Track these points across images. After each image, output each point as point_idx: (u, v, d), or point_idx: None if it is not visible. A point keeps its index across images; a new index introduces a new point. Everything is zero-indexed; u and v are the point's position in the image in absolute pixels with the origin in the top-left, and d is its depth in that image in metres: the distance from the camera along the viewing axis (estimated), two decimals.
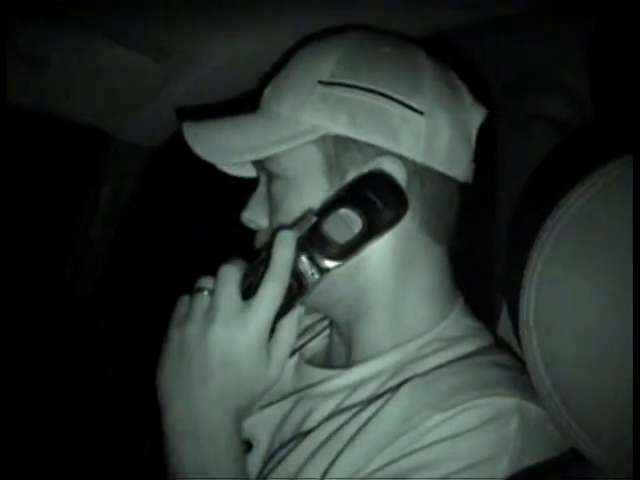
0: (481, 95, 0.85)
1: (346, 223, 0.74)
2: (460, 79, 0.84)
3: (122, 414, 1.61)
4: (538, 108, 1.10)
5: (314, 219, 0.74)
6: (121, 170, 1.30)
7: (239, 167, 0.89)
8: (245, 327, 0.71)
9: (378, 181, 0.75)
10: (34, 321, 1.48)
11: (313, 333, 0.95)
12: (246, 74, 1.06)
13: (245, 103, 0.95)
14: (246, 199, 0.86)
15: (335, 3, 0.97)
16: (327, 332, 0.94)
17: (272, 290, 0.72)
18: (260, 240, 0.84)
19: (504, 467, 0.66)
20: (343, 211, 0.74)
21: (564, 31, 1.05)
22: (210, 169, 0.87)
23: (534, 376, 0.66)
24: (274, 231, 0.75)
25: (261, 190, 0.85)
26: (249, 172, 0.89)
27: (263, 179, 0.84)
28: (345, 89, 0.77)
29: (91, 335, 1.66)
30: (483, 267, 1.14)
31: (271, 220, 0.81)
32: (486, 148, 0.85)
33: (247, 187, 0.88)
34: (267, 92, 0.84)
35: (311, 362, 0.89)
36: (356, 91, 0.77)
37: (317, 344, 0.94)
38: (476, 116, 0.83)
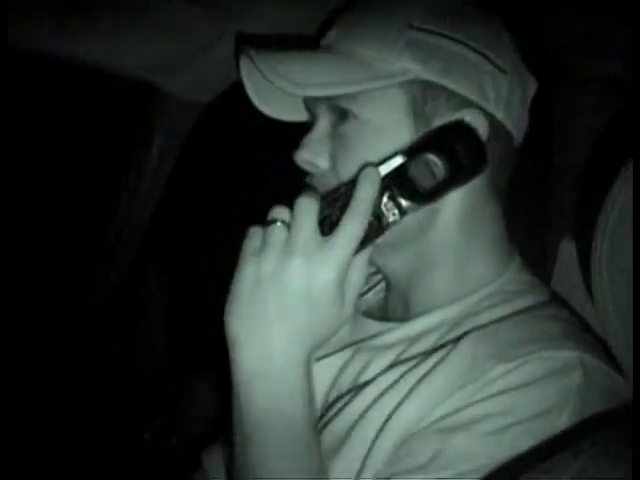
0: (539, 55, 0.85)
1: (430, 169, 0.73)
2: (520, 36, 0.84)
3: (171, 373, 1.62)
4: (593, 67, 1.08)
5: (402, 160, 0.73)
6: (171, 124, 1.29)
7: (285, 109, 0.87)
8: (326, 263, 0.68)
9: (463, 132, 0.75)
10: (81, 275, 1.50)
11: (368, 286, 0.95)
12: (301, 29, 1.05)
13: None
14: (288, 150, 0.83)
15: None
16: (381, 285, 0.94)
17: (355, 226, 0.69)
18: (320, 182, 0.81)
19: (566, 419, 0.66)
20: (430, 156, 0.73)
21: None
22: (259, 122, 0.86)
23: (603, 316, 0.68)
24: (361, 167, 0.73)
25: (321, 130, 0.82)
26: (295, 116, 0.88)
27: (326, 119, 0.81)
28: (436, 37, 0.76)
29: (138, 288, 1.68)
30: (537, 226, 1.14)
31: (336, 161, 0.79)
32: (542, 103, 0.86)
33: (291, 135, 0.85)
34: (338, 32, 0.82)
35: (367, 315, 0.89)
36: (447, 40, 0.76)
37: (372, 297, 0.94)
38: (533, 85, 0.84)
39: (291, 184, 0.84)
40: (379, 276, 0.95)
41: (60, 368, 1.49)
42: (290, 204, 0.71)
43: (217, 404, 1.28)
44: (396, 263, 0.83)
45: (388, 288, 0.90)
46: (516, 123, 0.81)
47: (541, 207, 1.13)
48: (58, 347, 1.51)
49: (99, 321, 1.51)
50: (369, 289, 0.95)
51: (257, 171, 1.80)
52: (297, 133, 0.85)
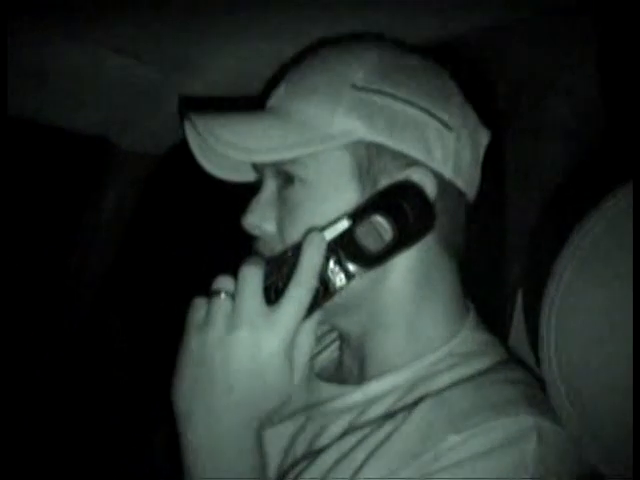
0: (488, 101, 0.85)
1: (377, 231, 0.72)
2: (467, 86, 0.83)
3: (132, 417, 1.60)
4: (545, 114, 1.09)
5: (348, 223, 0.72)
6: (125, 179, 1.28)
7: (233, 170, 0.86)
8: (271, 333, 0.67)
9: (410, 191, 0.74)
10: (41, 321, 1.47)
11: (322, 345, 0.93)
12: (252, 81, 1.04)
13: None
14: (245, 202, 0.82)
15: (336, 7, 0.96)
16: (336, 344, 0.92)
17: (300, 294, 0.68)
18: (267, 246, 0.79)
19: None
20: (377, 218, 0.72)
21: (569, 35, 1.04)
22: (208, 178, 0.85)
23: (550, 386, 0.67)
24: (306, 232, 0.72)
25: (268, 194, 0.80)
26: (244, 177, 0.86)
27: (272, 183, 0.80)
28: (380, 96, 0.75)
29: (98, 339, 1.66)
30: (492, 277, 1.14)
31: (282, 225, 0.77)
32: (493, 155, 0.85)
33: (243, 191, 0.84)
34: (281, 91, 0.81)
35: (320, 376, 0.87)
36: (391, 99, 0.75)
37: (326, 357, 0.92)
38: (484, 137, 0.83)
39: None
40: (334, 334, 0.93)
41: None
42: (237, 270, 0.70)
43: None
44: (347, 324, 0.82)
45: (342, 347, 0.88)
46: (466, 178, 0.79)
47: (496, 257, 1.13)
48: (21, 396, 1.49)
49: (62, 366, 1.49)
50: (324, 348, 0.93)
51: (215, 222, 1.79)
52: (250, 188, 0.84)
